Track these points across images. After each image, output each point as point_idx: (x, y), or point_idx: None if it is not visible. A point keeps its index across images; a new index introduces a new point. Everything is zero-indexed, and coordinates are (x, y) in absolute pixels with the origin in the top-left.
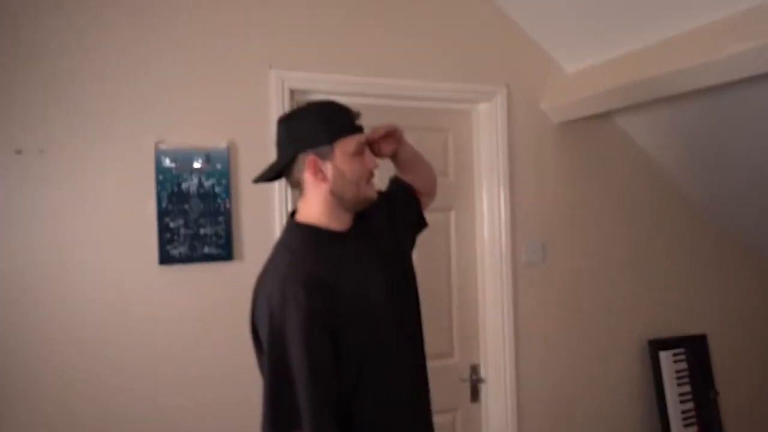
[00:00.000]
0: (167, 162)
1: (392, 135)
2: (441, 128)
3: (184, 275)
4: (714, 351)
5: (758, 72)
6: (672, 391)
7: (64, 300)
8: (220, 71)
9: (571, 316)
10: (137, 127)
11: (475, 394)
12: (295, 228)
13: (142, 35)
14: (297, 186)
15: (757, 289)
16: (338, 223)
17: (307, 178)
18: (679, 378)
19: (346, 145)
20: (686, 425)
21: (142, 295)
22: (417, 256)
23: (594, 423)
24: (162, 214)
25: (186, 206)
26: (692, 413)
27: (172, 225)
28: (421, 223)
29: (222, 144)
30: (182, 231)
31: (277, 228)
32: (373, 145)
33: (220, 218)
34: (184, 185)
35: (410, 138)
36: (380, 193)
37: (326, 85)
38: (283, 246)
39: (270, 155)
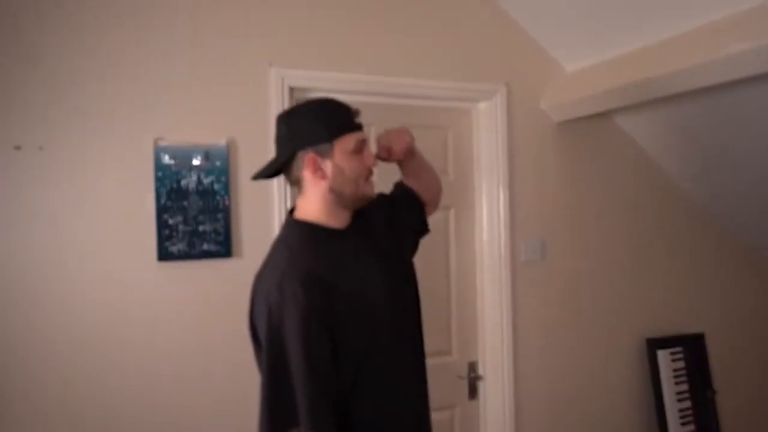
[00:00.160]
0: (166, 159)
1: (404, 139)
2: (441, 126)
3: (182, 272)
4: (712, 350)
5: (758, 72)
6: (670, 389)
7: (63, 297)
8: (220, 69)
9: (570, 315)
10: (137, 124)
11: (473, 392)
12: (293, 225)
13: (142, 31)
14: (296, 183)
15: (756, 288)
16: (337, 220)
17: (306, 175)
18: (676, 377)
19: (346, 143)
20: (683, 424)
21: (140, 291)
22: (416, 254)
23: (592, 421)
24: (161, 210)
25: (185, 203)
26: (689, 412)
27: (171, 222)
28: (423, 229)
29: (221, 141)
30: (181, 228)
31: (276, 225)
32: (383, 149)
33: (219, 215)
34: (183, 182)
35: None
36: (383, 196)
37: (326, 83)
38: (281, 243)
39: (269, 153)
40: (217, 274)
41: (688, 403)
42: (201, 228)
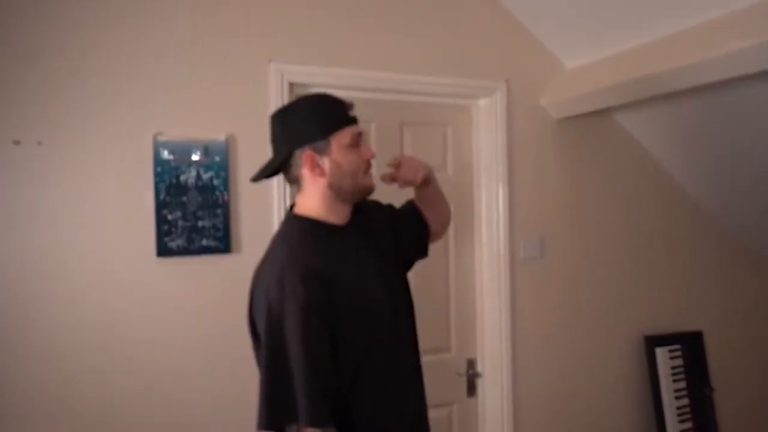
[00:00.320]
0: (166, 154)
1: (418, 173)
2: (440, 123)
3: (181, 268)
4: (709, 348)
5: (758, 69)
6: (667, 387)
7: (62, 293)
8: (219, 64)
9: (569, 312)
10: (136, 119)
11: (471, 389)
12: (293, 220)
13: (142, 27)
14: (295, 182)
15: (754, 287)
16: (337, 216)
17: (305, 173)
18: (674, 374)
19: (342, 137)
20: (681, 421)
21: (139, 287)
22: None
23: (590, 418)
24: (160, 206)
25: (184, 198)
26: (687, 409)
27: (170, 217)
28: (422, 252)
29: (221, 137)
30: (180, 223)
31: (275, 221)
32: (394, 178)
33: (219, 211)
34: (182, 177)
35: (410, 133)
36: (390, 205)
37: (326, 78)
38: (281, 239)
39: (269, 149)
40: (216, 269)
41: (685, 401)
42: (200, 223)
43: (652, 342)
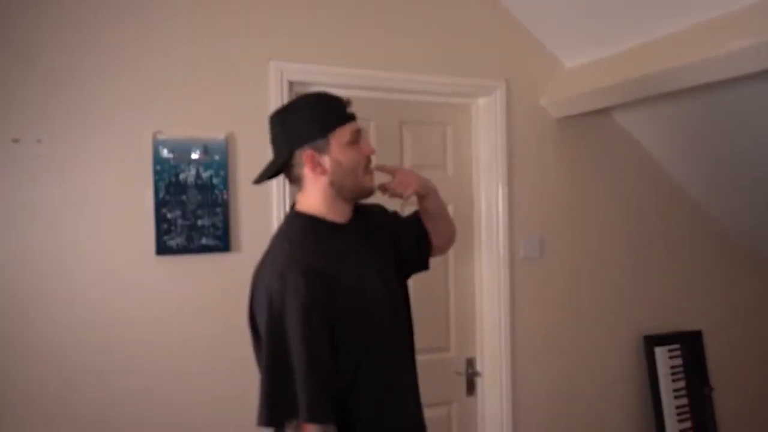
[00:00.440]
0: (165, 153)
1: (410, 186)
2: (440, 122)
3: (181, 266)
4: (709, 347)
5: (758, 69)
6: (667, 386)
7: (61, 291)
8: (219, 63)
9: (568, 311)
10: (136, 117)
11: (471, 388)
12: (294, 218)
13: (142, 26)
14: (297, 181)
15: (754, 286)
16: (338, 214)
17: (307, 173)
18: (674, 374)
19: (341, 135)
20: (680, 420)
21: (138, 285)
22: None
23: (589, 417)
24: (159, 204)
25: (184, 197)
26: (686, 409)
27: (169, 216)
28: (423, 265)
29: (220, 135)
30: (180, 222)
31: (275, 220)
32: (387, 188)
33: (218, 209)
34: (182, 176)
35: (409, 133)
36: (395, 212)
37: (325, 77)
38: (282, 236)
39: (269, 147)
40: (216, 268)
41: (685, 400)
42: (199, 222)
43: (652, 341)
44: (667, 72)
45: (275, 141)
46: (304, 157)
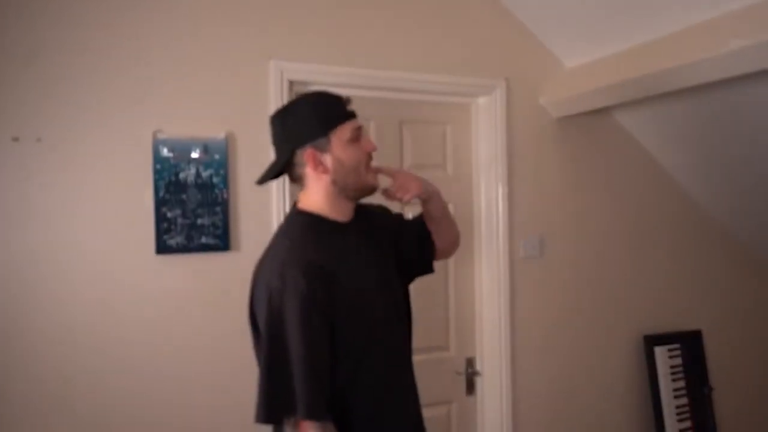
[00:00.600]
0: (165, 152)
1: (410, 191)
2: (440, 121)
3: (180, 265)
4: (709, 347)
5: (758, 69)
6: (666, 386)
7: (60, 290)
8: (219, 62)
9: (568, 311)
10: (136, 116)
11: (470, 388)
12: (296, 216)
13: (142, 25)
14: (299, 180)
15: (753, 286)
16: (339, 213)
17: (308, 172)
18: (673, 373)
19: (342, 133)
20: (680, 420)
21: (138, 284)
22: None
23: (589, 416)
24: (159, 203)
25: (183, 196)
26: (686, 408)
27: (169, 215)
28: (427, 268)
29: (220, 134)
30: (179, 221)
31: (274, 219)
32: (388, 192)
33: (218, 208)
34: (181, 175)
35: (409, 132)
36: (399, 214)
37: (325, 76)
38: (282, 234)
39: (269, 147)
40: (215, 267)
41: (684, 400)
42: (199, 221)
43: (652, 341)
44: (667, 72)
45: (276, 141)
46: (305, 156)
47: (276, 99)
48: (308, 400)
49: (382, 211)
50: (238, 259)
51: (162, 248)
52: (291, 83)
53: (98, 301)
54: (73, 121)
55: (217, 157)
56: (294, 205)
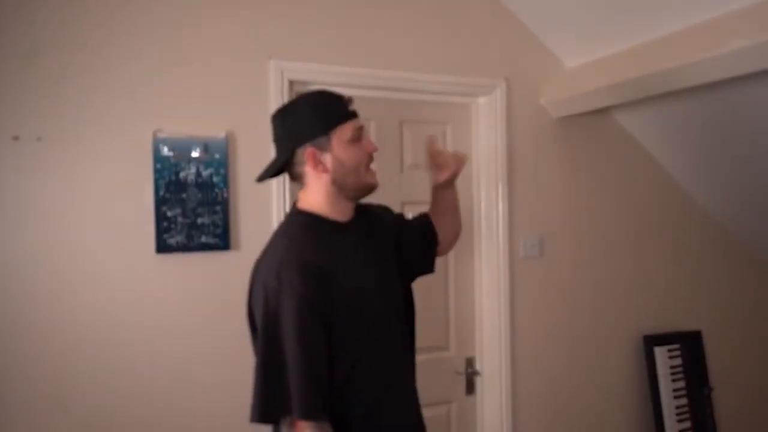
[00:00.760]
0: (165, 151)
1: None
2: (440, 121)
3: (181, 264)
4: (708, 347)
5: (758, 69)
6: (666, 386)
7: (60, 290)
8: (219, 62)
9: (568, 311)
10: (136, 116)
11: (470, 387)
12: (295, 216)
13: (142, 25)
14: (298, 179)
15: (753, 287)
16: (339, 213)
17: (308, 170)
18: (673, 373)
19: (343, 133)
20: (680, 420)
21: (138, 282)
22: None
23: (588, 416)
24: (159, 202)
25: (184, 195)
26: (686, 409)
27: (169, 214)
28: (428, 268)
29: (221, 134)
30: (180, 220)
31: (274, 218)
32: (436, 157)
33: (218, 208)
34: (182, 174)
35: (409, 131)
36: (400, 214)
37: (326, 76)
38: (282, 233)
39: (269, 146)
40: (215, 266)
41: (684, 400)
42: (199, 220)
43: (651, 341)
44: (667, 72)
45: (277, 139)
46: (305, 155)
47: (276, 98)
48: (303, 400)
49: (383, 210)
50: (238, 259)
51: (162, 247)
52: (291, 83)
53: (98, 300)
54: (73, 121)
55: (217, 156)
56: (293, 205)
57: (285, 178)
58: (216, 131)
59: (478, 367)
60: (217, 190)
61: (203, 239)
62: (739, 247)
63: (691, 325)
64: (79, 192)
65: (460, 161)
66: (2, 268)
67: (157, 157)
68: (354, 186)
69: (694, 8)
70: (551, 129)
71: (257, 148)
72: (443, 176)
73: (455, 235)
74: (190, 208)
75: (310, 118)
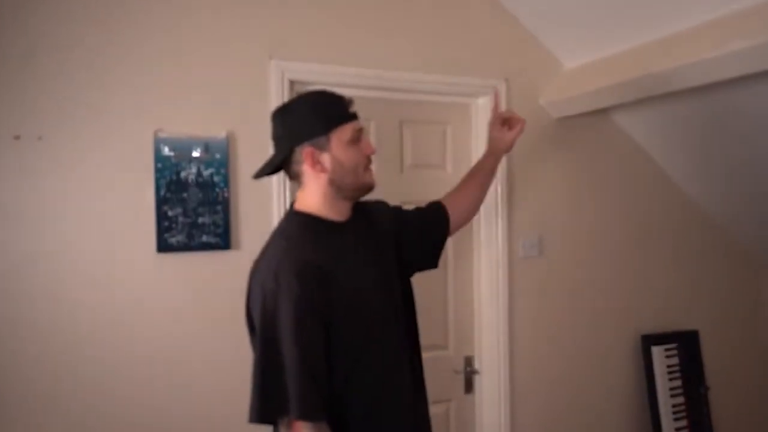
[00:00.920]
0: (166, 150)
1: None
2: (440, 121)
3: (181, 264)
4: (705, 347)
5: (758, 69)
6: (663, 385)
7: (60, 289)
8: (220, 62)
9: (566, 310)
10: (137, 115)
11: (469, 386)
12: (293, 216)
13: (143, 25)
14: (296, 178)
15: (750, 287)
16: (337, 213)
17: (306, 170)
18: (670, 373)
19: (342, 133)
20: (676, 419)
21: (139, 282)
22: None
23: (586, 415)
24: (160, 202)
25: (184, 195)
26: (683, 407)
27: (170, 213)
28: (432, 261)
29: (221, 134)
30: (180, 219)
31: (275, 218)
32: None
33: (219, 207)
34: (182, 174)
35: (409, 132)
36: (397, 208)
37: (326, 76)
38: (279, 234)
39: (269, 146)
40: (216, 266)
41: (681, 399)
42: (200, 220)
43: (649, 341)
44: (667, 72)
45: (276, 138)
46: (303, 154)
47: (277, 98)
48: (301, 401)
49: (381, 207)
50: (239, 258)
51: (163, 247)
52: (292, 83)
53: (98, 299)
54: (74, 120)
55: (218, 156)
56: (291, 205)
57: (286, 177)
58: (217, 131)
59: (476, 365)
60: (217, 189)
61: (204, 239)
62: (737, 247)
63: (689, 325)
64: (79, 192)
65: (524, 122)
66: (2, 268)
67: (158, 157)
68: (352, 186)
69: (694, 8)
70: (551, 129)
71: (258, 148)
72: (512, 134)
73: (475, 208)
74: (190, 207)
75: (310, 118)
